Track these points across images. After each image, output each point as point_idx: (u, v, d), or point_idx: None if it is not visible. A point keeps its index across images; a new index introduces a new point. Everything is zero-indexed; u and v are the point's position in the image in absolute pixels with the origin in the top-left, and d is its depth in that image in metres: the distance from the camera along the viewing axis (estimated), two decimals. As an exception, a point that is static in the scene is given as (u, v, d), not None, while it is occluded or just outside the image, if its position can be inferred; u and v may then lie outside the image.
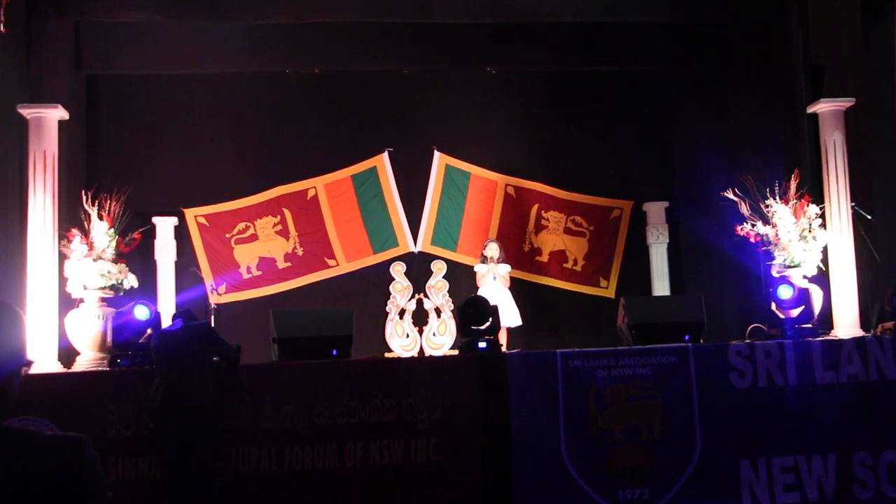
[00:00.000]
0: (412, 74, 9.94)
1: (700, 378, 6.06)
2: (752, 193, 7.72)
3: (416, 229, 9.88)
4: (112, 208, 7.72)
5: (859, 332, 7.10)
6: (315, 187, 9.81)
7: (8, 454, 1.69)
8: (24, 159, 7.45)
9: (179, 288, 9.25)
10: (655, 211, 10.07)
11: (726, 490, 5.90)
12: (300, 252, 9.71)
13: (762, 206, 7.64)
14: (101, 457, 1.83)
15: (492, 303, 6.66)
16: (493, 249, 8.70)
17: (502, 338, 8.13)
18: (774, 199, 7.60)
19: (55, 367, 6.98)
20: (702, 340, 6.47)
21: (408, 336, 9.68)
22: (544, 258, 10.09)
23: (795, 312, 6.67)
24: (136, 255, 8.56)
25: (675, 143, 10.26)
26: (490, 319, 6.45)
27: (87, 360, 7.19)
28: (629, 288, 9.66)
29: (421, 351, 9.58)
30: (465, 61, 9.66)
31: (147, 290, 8.88)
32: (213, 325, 7.77)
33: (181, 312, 5.98)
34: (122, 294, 7.56)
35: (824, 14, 8.00)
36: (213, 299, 8.55)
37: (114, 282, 7.44)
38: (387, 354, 9.39)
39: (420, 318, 9.77)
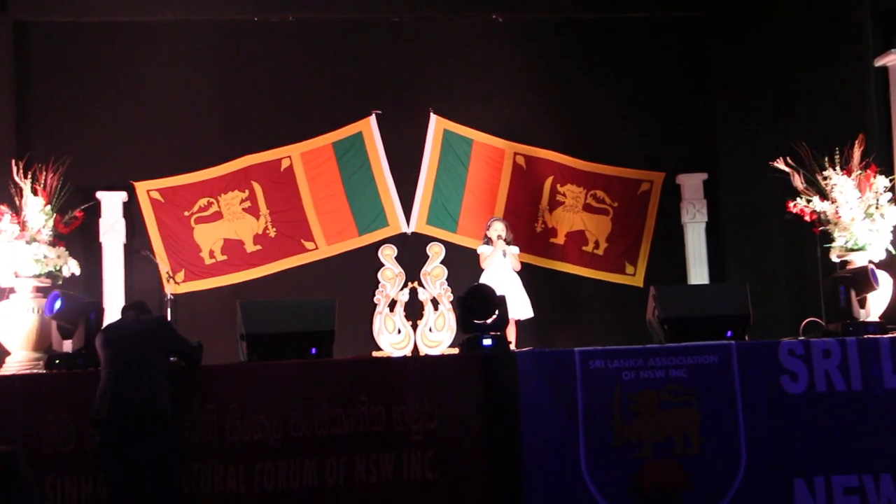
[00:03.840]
0: (404, 23, 9.86)
1: (745, 382, 6.03)
2: (806, 163, 7.67)
3: (408, 206, 9.84)
4: (49, 181, 7.66)
5: (936, 327, 7.06)
6: (290, 157, 9.75)
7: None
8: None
9: (129, 275, 9.21)
10: (691, 184, 10.01)
11: (777, 514, 5.88)
12: (272, 233, 9.67)
13: (819, 178, 7.59)
14: (35, 476, 1.77)
15: (498, 292, 6.62)
16: (498, 229, 8.66)
17: (511, 334, 8.10)
18: (834, 169, 7.54)
19: (-20, 369, 6.95)
20: (747, 337, 6.44)
21: (399, 332, 9.67)
22: (560, 240, 10.06)
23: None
24: (78, 236, 8.52)
25: (715, 105, 10.18)
26: (496, 312, 6.42)
27: (19, 360, 7.15)
28: (660, 275, 9.63)
29: (415, 349, 9.57)
30: (467, 7, 9.58)
31: (91, 277, 8.86)
32: (169, 318, 7.73)
33: (132, 304, 5.97)
34: (60, 283, 7.50)
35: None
36: (170, 288, 8.49)
37: (51, 268, 7.39)
38: (375, 353, 9.38)
39: (414, 311, 9.75)
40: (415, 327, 9.70)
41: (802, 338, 6.43)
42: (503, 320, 6.50)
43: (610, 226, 10.08)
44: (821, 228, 7.56)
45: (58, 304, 6.22)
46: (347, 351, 8.00)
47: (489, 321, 6.40)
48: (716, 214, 10.00)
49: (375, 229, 9.81)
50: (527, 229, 9.89)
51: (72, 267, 7.59)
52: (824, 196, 7.54)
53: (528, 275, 9.21)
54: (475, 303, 6.44)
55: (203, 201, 9.55)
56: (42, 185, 7.66)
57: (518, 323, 8.59)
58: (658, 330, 6.54)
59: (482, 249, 8.73)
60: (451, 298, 9.62)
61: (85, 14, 9.10)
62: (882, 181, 7.47)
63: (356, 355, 7.45)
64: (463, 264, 9.67)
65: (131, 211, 9.40)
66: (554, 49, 10.14)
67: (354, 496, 5.80)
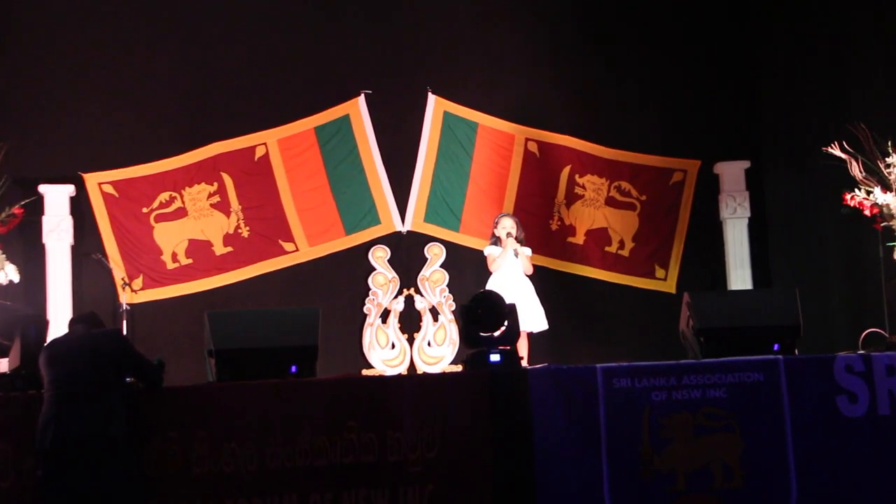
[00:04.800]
0: (398, -13, 9.90)
1: (795, 403, 6.01)
2: (866, 148, 7.65)
3: (403, 201, 9.85)
4: (-17, 173, 7.65)
5: None
6: (265, 144, 9.77)
7: None
8: None
9: (78, 283, 9.20)
10: (732, 173, 10.04)
11: (833, 556, 5.88)
12: (245, 233, 9.68)
13: (881, 165, 7.58)
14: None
15: (508, 300, 6.62)
16: (507, 226, 8.64)
17: (522, 348, 8.09)
18: (898, 155, 7.54)
19: None
20: (797, 351, 6.43)
21: (393, 346, 9.68)
22: (579, 239, 10.09)
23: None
24: (18, 237, 8.51)
25: (760, 80, 10.18)
26: (505, 323, 6.41)
27: (-49, 382, 7.10)
28: (696, 280, 9.68)
29: (411, 367, 9.58)
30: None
31: (32, 285, 8.84)
32: (125, 332, 7.72)
33: (81, 317, 5.92)
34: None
35: None
36: (126, 297, 8.48)
37: (-14, 274, 7.37)
38: (365, 372, 9.39)
39: (410, 322, 9.76)
40: (411, 341, 9.70)
41: (862, 352, 6.41)
42: (513, 333, 6.48)
43: (637, 223, 10.10)
44: (883, 224, 7.56)
45: None
46: (333, 369, 7.98)
47: (497, 334, 6.38)
48: (760, 208, 10.03)
49: (365, 228, 9.82)
50: (541, 227, 9.90)
51: (10, 273, 7.59)
52: (887, 186, 7.54)
53: (543, 280, 9.21)
54: (481, 312, 6.43)
55: (164, 196, 9.54)
56: (-25, 178, 7.66)
57: (531, 336, 8.59)
58: (693, 343, 6.53)
59: (489, 250, 8.72)
60: (453, 307, 9.63)
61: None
62: (954, 169, 7.47)
63: (343, 374, 7.44)
64: (466, 268, 9.69)
65: (80, 207, 9.38)
66: (572, 17, 10.16)
67: (342, 538, 5.79)
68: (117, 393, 5.51)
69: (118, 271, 9.03)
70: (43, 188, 9.16)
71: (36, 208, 8.99)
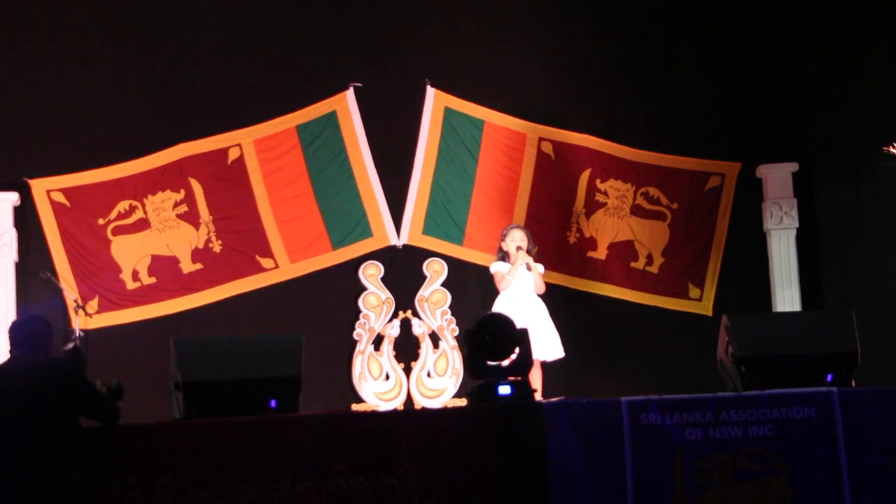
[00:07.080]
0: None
1: (852, 442, 6.00)
2: (933, 149, 7.67)
3: (399, 210, 9.86)
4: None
5: None
6: (239, 145, 9.79)
7: None
8: None
9: (23, 305, 9.18)
10: (777, 178, 10.05)
11: None
12: (217, 247, 9.69)
13: (950, 168, 7.60)
14: None
15: (519, 324, 6.63)
16: (517, 239, 8.65)
17: (536, 379, 8.09)
18: (970, 157, 7.55)
19: None
20: (854, 382, 6.43)
21: (388, 377, 9.69)
22: (601, 254, 10.11)
23: None
24: (-43, 252, 8.51)
25: (810, 70, 10.19)
26: (516, 350, 6.43)
27: None
28: (736, 300, 9.67)
29: (408, 401, 9.59)
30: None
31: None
32: (78, 361, 7.70)
33: (25, 340, 5.81)
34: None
35: None
36: (79, 322, 8.46)
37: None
38: (355, 407, 9.40)
39: (407, 350, 9.77)
40: (408, 371, 9.70)
41: (930, 383, 6.41)
42: (525, 361, 6.50)
43: (667, 235, 10.12)
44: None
45: None
46: (319, 404, 7.98)
47: (507, 363, 6.40)
48: (810, 218, 10.03)
49: (355, 241, 9.83)
50: (556, 240, 9.93)
51: (-53, 293, 7.59)
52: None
53: (559, 301, 9.23)
54: (488, 338, 6.44)
55: (123, 205, 9.55)
56: None
57: (545, 365, 8.59)
58: (733, 373, 6.53)
59: (497, 267, 8.71)
60: (457, 333, 9.65)
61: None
62: None
63: (330, 410, 7.44)
64: (471, 287, 9.70)
65: (26, 218, 9.41)
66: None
67: None
68: (68, 433, 5.43)
69: (70, 292, 9.02)
70: (-17, 196, 9.22)
71: (-24, 219, 9.05)
